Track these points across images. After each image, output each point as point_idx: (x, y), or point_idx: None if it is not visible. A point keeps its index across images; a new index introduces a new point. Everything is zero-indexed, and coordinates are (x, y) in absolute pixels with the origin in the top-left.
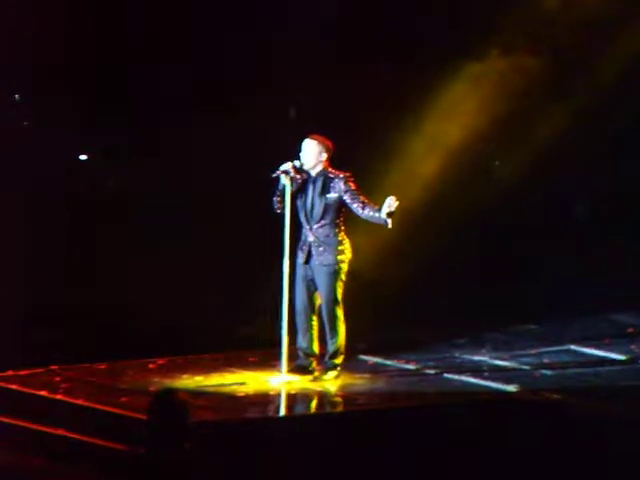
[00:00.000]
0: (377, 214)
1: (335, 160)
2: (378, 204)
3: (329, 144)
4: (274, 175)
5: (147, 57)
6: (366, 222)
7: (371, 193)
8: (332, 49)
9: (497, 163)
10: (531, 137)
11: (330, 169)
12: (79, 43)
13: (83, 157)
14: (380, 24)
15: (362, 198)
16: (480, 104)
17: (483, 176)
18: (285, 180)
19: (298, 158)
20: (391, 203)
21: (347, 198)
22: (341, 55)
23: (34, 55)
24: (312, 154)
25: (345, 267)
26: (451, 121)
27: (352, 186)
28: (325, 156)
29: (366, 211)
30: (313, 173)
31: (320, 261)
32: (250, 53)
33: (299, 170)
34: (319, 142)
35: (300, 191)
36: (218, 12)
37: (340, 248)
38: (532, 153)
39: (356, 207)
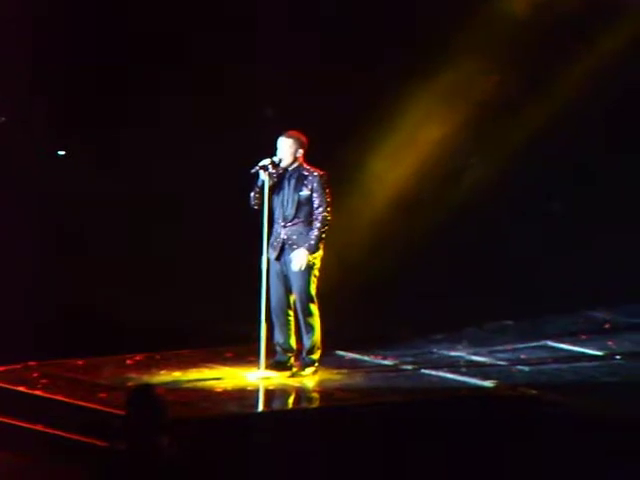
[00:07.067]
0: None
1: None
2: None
3: (304, 140)
4: (253, 171)
5: (125, 53)
6: (348, 219)
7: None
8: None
9: (473, 161)
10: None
11: (305, 165)
12: (59, 39)
13: (61, 152)
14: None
15: (323, 209)
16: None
17: (460, 174)
18: (264, 176)
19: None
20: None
21: (315, 199)
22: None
23: (10, 50)
24: (288, 152)
25: (318, 263)
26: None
27: (324, 189)
28: (301, 152)
29: (314, 225)
30: (289, 169)
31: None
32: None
33: (277, 165)
34: (295, 140)
35: (276, 187)
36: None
37: None
38: (504, 156)
39: (315, 213)
